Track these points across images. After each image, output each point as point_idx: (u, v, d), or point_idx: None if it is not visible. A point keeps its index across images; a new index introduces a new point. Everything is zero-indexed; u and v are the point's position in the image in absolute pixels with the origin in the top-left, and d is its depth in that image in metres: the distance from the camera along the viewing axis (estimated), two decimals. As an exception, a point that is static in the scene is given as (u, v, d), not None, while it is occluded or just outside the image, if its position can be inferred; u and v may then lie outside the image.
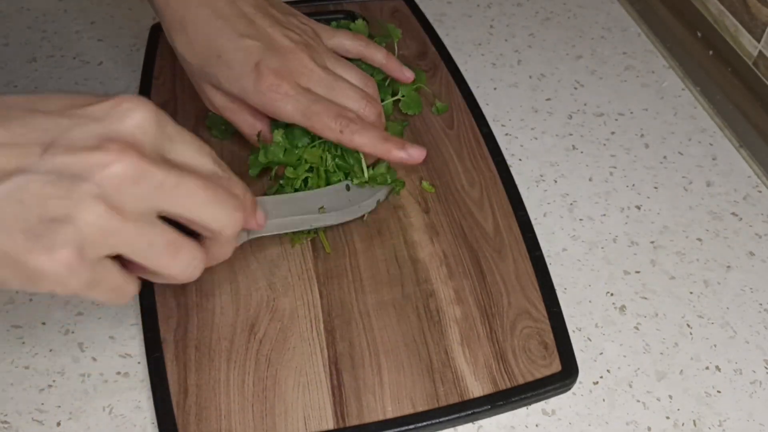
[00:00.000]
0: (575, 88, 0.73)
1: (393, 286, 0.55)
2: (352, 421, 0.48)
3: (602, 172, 0.66)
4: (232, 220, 0.41)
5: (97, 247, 0.36)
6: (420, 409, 0.49)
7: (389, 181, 0.59)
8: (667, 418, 0.50)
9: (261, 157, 0.57)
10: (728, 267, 0.59)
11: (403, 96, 0.66)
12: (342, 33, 0.61)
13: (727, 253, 0.60)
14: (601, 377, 0.52)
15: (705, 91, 0.73)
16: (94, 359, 0.52)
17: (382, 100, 0.63)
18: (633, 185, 0.65)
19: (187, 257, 0.40)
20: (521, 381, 0.50)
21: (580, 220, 0.62)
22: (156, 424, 0.48)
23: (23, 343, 0.53)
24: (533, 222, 0.60)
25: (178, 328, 0.52)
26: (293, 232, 0.57)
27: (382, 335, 0.52)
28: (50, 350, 0.52)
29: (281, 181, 0.57)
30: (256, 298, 0.54)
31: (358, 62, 0.63)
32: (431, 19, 0.77)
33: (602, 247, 0.60)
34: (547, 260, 0.58)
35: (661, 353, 0.54)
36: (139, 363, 0.52)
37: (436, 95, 0.69)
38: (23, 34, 0.76)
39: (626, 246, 0.60)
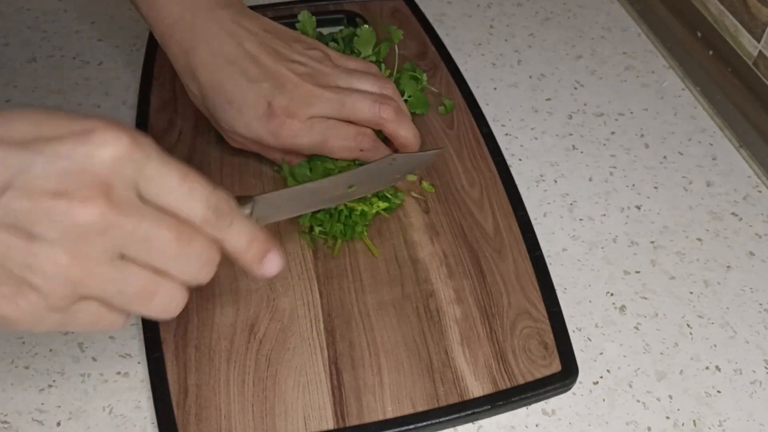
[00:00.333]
0: (575, 88, 0.73)
1: (393, 286, 0.55)
2: (352, 421, 0.48)
3: (602, 172, 0.66)
4: (202, 275, 0.36)
5: (64, 296, 0.33)
6: (420, 409, 0.49)
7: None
8: (667, 418, 0.50)
9: (290, 182, 0.58)
10: (728, 267, 0.59)
11: (410, 96, 0.66)
12: (353, 60, 0.60)
13: (727, 253, 0.60)
14: (601, 377, 0.52)
15: (705, 91, 0.73)
16: (94, 359, 0.52)
17: None
18: (633, 185, 0.65)
19: (164, 299, 0.35)
20: (521, 381, 0.50)
21: (580, 220, 0.62)
22: (156, 424, 0.48)
23: (23, 343, 0.53)
24: (533, 222, 0.60)
25: (178, 328, 0.52)
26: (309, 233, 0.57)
27: (382, 335, 0.52)
28: (50, 350, 0.52)
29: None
30: (256, 298, 0.54)
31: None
32: (431, 19, 0.77)
33: (602, 247, 0.60)
34: (547, 260, 0.58)
35: (661, 353, 0.54)
36: (139, 363, 0.52)
37: (442, 95, 0.69)
38: (23, 34, 0.76)
39: (626, 246, 0.60)
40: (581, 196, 0.64)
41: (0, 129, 0.32)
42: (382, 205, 0.58)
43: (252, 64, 0.55)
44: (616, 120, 0.70)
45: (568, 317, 0.55)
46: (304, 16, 0.68)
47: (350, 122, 0.57)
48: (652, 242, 0.60)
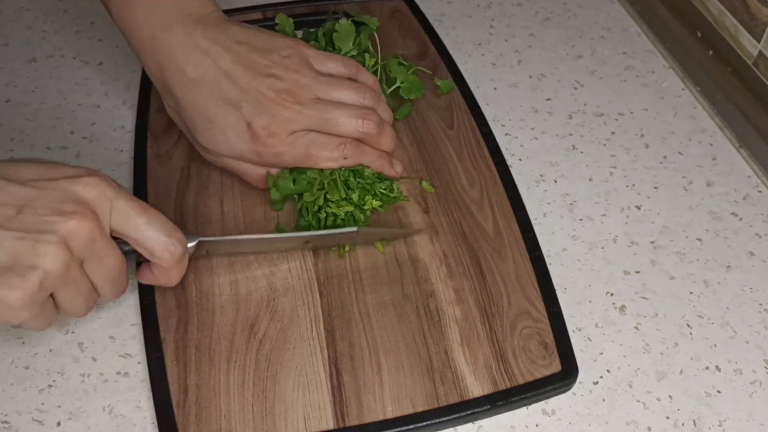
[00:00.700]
0: (575, 88, 0.73)
1: (393, 286, 0.55)
2: (352, 421, 0.48)
3: (602, 172, 0.66)
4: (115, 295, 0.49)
5: (52, 286, 0.43)
6: (420, 409, 0.49)
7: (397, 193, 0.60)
8: (667, 418, 0.50)
9: (273, 194, 0.58)
10: (728, 267, 0.59)
11: (402, 82, 0.66)
12: (332, 60, 0.60)
13: (727, 253, 0.60)
14: (601, 377, 0.52)
15: (705, 91, 0.73)
16: (94, 359, 0.52)
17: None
18: (633, 185, 0.65)
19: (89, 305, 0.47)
20: (521, 381, 0.50)
21: (580, 220, 0.62)
22: (156, 424, 0.48)
23: (23, 343, 0.53)
24: (533, 222, 0.60)
25: (178, 328, 0.52)
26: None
27: (382, 335, 0.52)
28: (50, 350, 0.52)
29: (300, 207, 0.58)
30: (256, 298, 0.54)
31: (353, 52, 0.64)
32: (431, 19, 0.77)
33: (602, 247, 0.60)
34: (547, 260, 0.58)
35: (661, 353, 0.54)
36: (139, 363, 0.52)
37: (435, 75, 0.69)
38: (23, 34, 0.76)
39: (626, 246, 0.60)
40: (581, 196, 0.64)
41: (15, 173, 0.44)
42: (376, 203, 0.58)
43: (229, 84, 0.55)
44: (616, 120, 0.70)
45: (568, 317, 0.55)
46: (282, 19, 0.67)
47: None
48: (652, 242, 0.60)
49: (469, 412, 0.49)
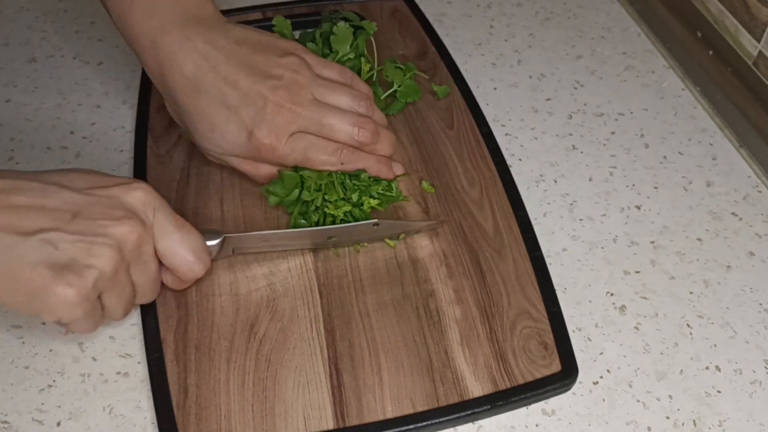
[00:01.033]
0: (575, 88, 0.73)
1: (393, 286, 0.55)
2: (352, 421, 0.48)
3: (602, 172, 0.66)
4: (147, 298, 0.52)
5: (103, 287, 0.46)
6: (420, 409, 0.49)
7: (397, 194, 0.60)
8: (667, 418, 0.50)
9: (272, 200, 0.58)
10: (728, 267, 0.59)
11: (399, 86, 0.66)
12: (329, 68, 0.60)
13: (727, 253, 0.60)
14: (601, 377, 0.52)
15: (705, 91, 0.73)
16: (94, 359, 0.52)
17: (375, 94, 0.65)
18: (633, 185, 0.65)
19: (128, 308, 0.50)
20: (521, 381, 0.50)
21: (580, 220, 0.62)
22: (156, 424, 0.48)
23: (23, 343, 0.53)
24: (533, 222, 0.60)
25: (178, 328, 0.52)
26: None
27: (382, 335, 0.52)
28: (50, 350, 0.52)
29: (303, 204, 0.58)
30: (256, 298, 0.54)
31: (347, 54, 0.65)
32: (431, 19, 0.77)
33: (602, 247, 0.60)
34: (547, 260, 0.58)
35: (661, 353, 0.54)
36: (139, 363, 0.52)
37: (432, 81, 0.69)
38: (23, 34, 0.76)
39: (626, 246, 0.60)
40: (581, 196, 0.64)
41: (68, 181, 0.47)
42: (374, 202, 0.58)
43: (230, 89, 0.55)
44: (616, 120, 0.70)
45: (568, 317, 0.55)
46: (279, 21, 0.67)
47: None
48: (652, 242, 0.60)
49: (469, 412, 0.49)
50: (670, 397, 0.51)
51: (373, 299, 0.54)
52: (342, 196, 0.57)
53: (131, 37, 0.57)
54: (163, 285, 0.52)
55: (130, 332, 0.53)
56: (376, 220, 0.55)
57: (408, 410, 0.49)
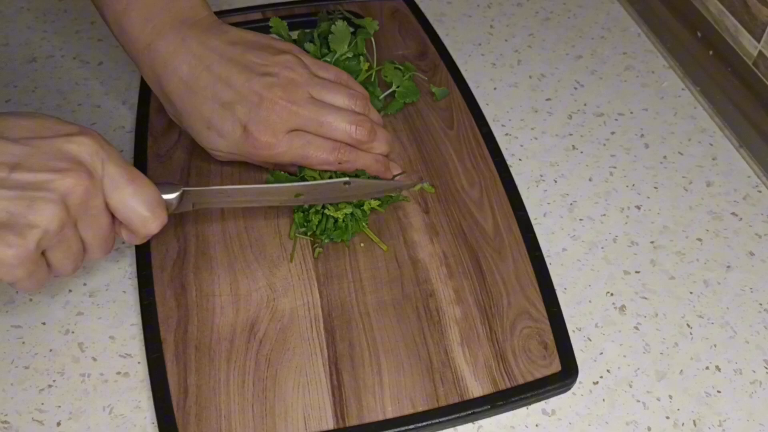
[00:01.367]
0: (575, 88, 0.73)
1: (393, 286, 0.55)
2: (352, 421, 0.48)
3: (602, 172, 0.66)
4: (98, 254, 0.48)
5: (47, 244, 0.43)
6: (420, 409, 0.49)
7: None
8: (667, 418, 0.50)
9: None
10: (728, 267, 0.59)
11: (398, 87, 0.66)
12: (325, 69, 0.60)
13: (727, 253, 0.60)
14: (601, 377, 0.52)
15: (705, 91, 0.73)
16: (94, 359, 0.52)
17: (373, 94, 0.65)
18: (633, 185, 0.65)
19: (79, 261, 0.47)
20: (521, 381, 0.50)
21: (580, 220, 0.62)
22: (156, 424, 0.48)
23: (23, 343, 0.53)
24: (533, 222, 0.60)
25: (178, 328, 0.52)
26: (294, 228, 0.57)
27: (382, 335, 0.52)
28: (50, 350, 0.52)
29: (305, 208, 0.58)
30: (256, 298, 0.54)
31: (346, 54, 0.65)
32: (431, 19, 0.77)
33: (602, 247, 0.60)
34: (547, 260, 0.58)
35: (661, 353, 0.54)
36: (139, 363, 0.52)
37: (432, 81, 0.69)
38: (23, 34, 0.76)
39: (626, 246, 0.60)
40: (581, 196, 0.64)
41: (5, 130, 0.43)
42: (374, 203, 0.58)
43: (224, 87, 0.55)
44: (616, 120, 0.70)
45: (568, 317, 0.55)
46: (275, 22, 0.67)
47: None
48: (652, 242, 0.60)
49: (469, 412, 0.49)
50: (670, 397, 0.51)
51: (373, 299, 0.54)
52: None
53: (126, 41, 0.57)
54: (159, 285, 0.52)
55: (130, 332, 0.53)
56: (347, 179, 0.55)
57: (408, 410, 0.49)
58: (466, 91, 0.69)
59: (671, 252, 0.60)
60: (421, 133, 0.66)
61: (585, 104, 0.71)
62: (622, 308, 0.56)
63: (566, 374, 0.51)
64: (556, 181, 0.65)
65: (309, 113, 0.56)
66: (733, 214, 0.63)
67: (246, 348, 0.51)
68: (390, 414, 0.49)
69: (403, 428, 0.48)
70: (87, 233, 0.45)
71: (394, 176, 0.61)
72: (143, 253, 0.56)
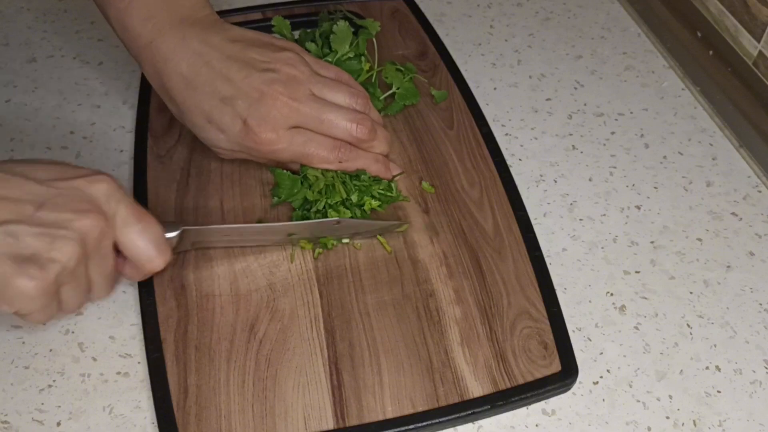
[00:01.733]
0: (575, 88, 0.73)
1: (393, 286, 0.55)
2: (352, 421, 0.48)
3: (602, 172, 0.66)
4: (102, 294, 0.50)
5: (63, 280, 0.45)
6: (420, 409, 0.49)
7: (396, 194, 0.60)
8: (667, 418, 0.50)
9: (274, 201, 0.59)
10: (728, 267, 0.59)
11: (398, 89, 0.66)
12: (326, 68, 0.60)
13: (727, 253, 0.60)
14: (601, 377, 0.52)
15: (705, 91, 0.73)
16: (94, 359, 0.52)
17: (372, 95, 0.65)
18: (633, 185, 0.65)
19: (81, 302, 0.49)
20: (521, 381, 0.50)
21: (580, 220, 0.62)
22: (156, 424, 0.48)
23: (23, 343, 0.53)
24: (533, 222, 0.60)
25: (178, 328, 0.52)
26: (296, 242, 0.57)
27: (382, 335, 0.52)
28: (50, 350, 0.52)
29: (306, 207, 0.58)
30: (256, 298, 0.54)
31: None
32: (431, 19, 0.77)
33: (602, 247, 0.60)
34: (547, 260, 0.58)
35: (661, 353, 0.54)
36: (139, 363, 0.52)
37: (432, 81, 0.69)
38: (23, 34, 0.76)
39: (626, 246, 0.60)
40: (581, 196, 0.64)
41: (32, 172, 0.46)
42: (374, 203, 0.58)
43: (223, 83, 0.55)
44: (616, 120, 0.70)
45: (568, 317, 0.55)
46: (278, 21, 0.67)
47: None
48: (652, 242, 0.60)
49: (469, 412, 0.49)
50: (670, 397, 0.51)
51: (373, 299, 0.54)
52: (344, 196, 0.57)
53: (128, 38, 0.57)
54: (159, 286, 0.52)
55: (130, 332, 0.53)
56: (337, 218, 0.55)
57: (408, 410, 0.49)
58: (466, 91, 0.69)
59: (671, 252, 0.60)
60: (421, 133, 0.66)
61: (585, 104, 0.71)
62: (622, 308, 0.56)
63: (566, 374, 0.51)
64: (556, 181, 0.65)
65: (310, 110, 0.56)
66: (733, 214, 0.63)
67: (246, 348, 0.51)
68: (390, 414, 0.49)
69: (403, 428, 0.48)
70: (95, 273, 0.48)
71: (394, 176, 0.61)
72: (143, 253, 0.56)
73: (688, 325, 0.55)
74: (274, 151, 0.56)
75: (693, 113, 0.71)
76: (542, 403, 0.51)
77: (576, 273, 0.58)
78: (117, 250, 0.49)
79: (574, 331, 0.54)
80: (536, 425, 0.50)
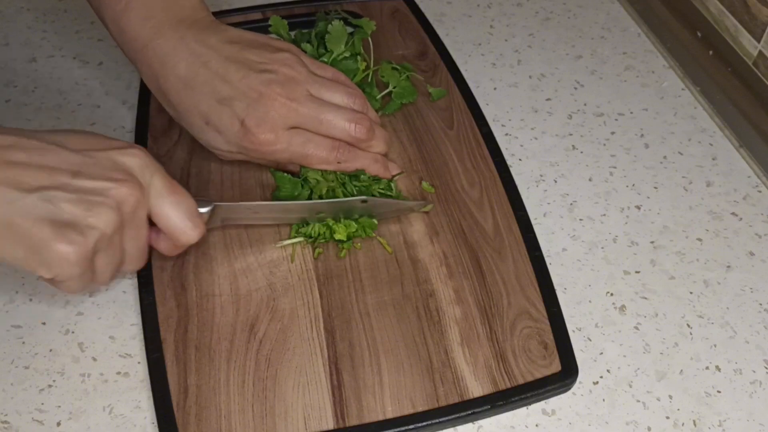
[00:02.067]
0: (575, 88, 0.73)
1: (393, 286, 0.55)
2: (352, 421, 0.48)
3: (602, 172, 0.66)
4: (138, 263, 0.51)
5: (101, 247, 0.45)
6: (420, 409, 0.49)
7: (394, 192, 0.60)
8: (667, 418, 0.50)
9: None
10: (728, 267, 0.59)
11: (394, 87, 0.66)
12: (323, 69, 0.60)
13: (727, 253, 0.60)
14: (601, 377, 0.52)
15: (705, 91, 0.73)
16: (94, 359, 0.52)
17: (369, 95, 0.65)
18: (633, 185, 0.65)
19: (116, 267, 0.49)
20: (521, 381, 0.50)
21: (580, 220, 0.62)
22: (156, 424, 0.48)
23: (23, 343, 0.53)
24: (533, 222, 0.60)
25: (178, 328, 0.52)
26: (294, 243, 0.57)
27: (382, 335, 0.52)
28: (50, 350, 0.52)
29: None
30: (256, 298, 0.54)
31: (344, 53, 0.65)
32: (431, 19, 0.77)
33: (602, 247, 0.60)
34: (547, 260, 0.58)
35: (661, 353, 0.54)
36: (139, 363, 0.52)
37: (432, 81, 0.69)
38: (23, 34, 0.76)
39: (626, 246, 0.60)
40: (581, 196, 0.64)
41: (66, 141, 0.46)
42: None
43: (221, 83, 0.55)
44: (616, 120, 0.70)
45: (568, 317, 0.55)
46: (275, 20, 0.67)
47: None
48: (652, 242, 0.60)
49: (469, 412, 0.49)
50: (670, 397, 0.51)
51: (373, 299, 0.54)
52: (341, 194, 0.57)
53: (125, 41, 0.57)
54: (159, 286, 0.52)
55: (130, 332, 0.53)
56: (364, 197, 0.56)
57: (408, 410, 0.49)
58: (466, 91, 0.69)
59: (671, 252, 0.60)
60: (421, 133, 0.66)
61: (585, 104, 0.71)
62: (622, 308, 0.56)
63: (566, 374, 0.51)
64: (556, 181, 0.65)
65: (308, 110, 0.56)
66: (733, 214, 0.63)
67: (246, 348, 0.51)
68: (390, 414, 0.49)
69: (403, 428, 0.48)
70: (129, 243, 0.48)
71: (394, 176, 0.61)
72: (143, 253, 0.56)
73: (688, 325, 0.55)
74: (273, 152, 0.56)
75: (693, 113, 0.71)
76: (542, 403, 0.51)
77: (576, 273, 0.58)
78: (150, 223, 0.49)
79: (574, 331, 0.54)
80: (536, 425, 0.50)
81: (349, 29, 0.68)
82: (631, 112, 0.71)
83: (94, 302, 0.55)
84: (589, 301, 0.56)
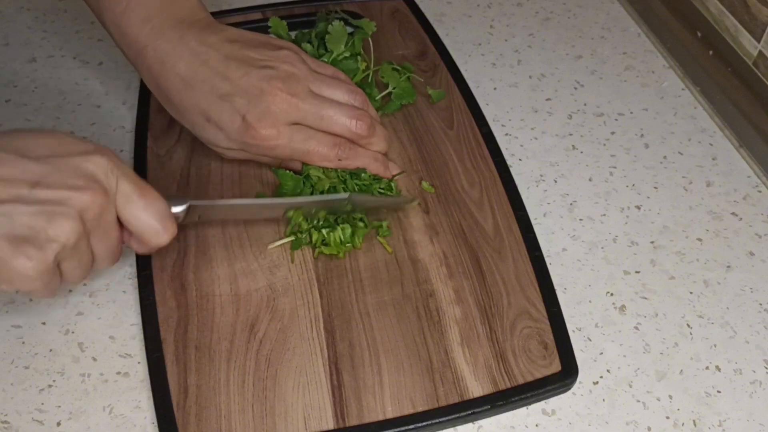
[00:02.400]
0: (575, 88, 0.73)
1: (393, 286, 0.55)
2: (352, 421, 0.48)
3: (602, 172, 0.66)
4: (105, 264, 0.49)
5: (63, 257, 0.45)
6: (420, 409, 0.49)
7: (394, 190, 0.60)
8: (667, 418, 0.50)
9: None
10: (728, 267, 0.59)
11: (394, 88, 0.66)
12: (323, 67, 0.60)
13: (727, 253, 0.60)
14: (601, 377, 0.52)
15: (705, 91, 0.73)
16: (94, 359, 0.52)
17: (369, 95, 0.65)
18: (633, 185, 0.65)
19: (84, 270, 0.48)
20: (521, 381, 0.50)
21: (580, 220, 0.62)
22: (156, 424, 0.48)
23: (23, 343, 0.53)
24: (533, 222, 0.60)
25: (178, 328, 0.52)
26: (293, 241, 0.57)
27: (382, 335, 0.52)
28: (50, 350, 0.52)
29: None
30: (256, 298, 0.54)
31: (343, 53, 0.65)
32: (431, 19, 0.77)
33: (602, 247, 0.60)
34: (547, 260, 0.58)
35: (661, 353, 0.54)
36: (139, 363, 0.52)
37: (432, 81, 0.69)
38: (23, 34, 0.76)
39: (626, 246, 0.60)
40: (581, 196, 0.64)
41: (27, 149, 0.45)
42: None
43: (222, 81, 0.55)
44: (616, 120, 0.70)
45: (568, 317, 0.55)
46: (275, 21, 0.67)
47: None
48: (652, 242, 0.60)
49: (469, 412, 0.49)
50: (670, 397, 0.51)
51: (373, 299, 0.54)
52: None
53: (125, 42, 0.57)
54: (159, 285, 0.52)
55: (130, 332, 0.53)
56: (348, 194, 0.55)
57: (408, 410, 0.49)
58: (466, 91, 0.69)
59: (671, 252, 0.60)
60: (421, 133, 0.66)
61: (585, 104, 0.71)
62: (622, 308, 0.56)
63: (566, 374, 0.51)
64: (556, 181, 0.65)
65: (310, 106, 0.56)
66: (733, 214, 0.63)
67: (246, 348, 0.51)
68: (390, 414, 0.49)
69: (403, 428, 0.48)
70: (98, 246, 0.47)
71: (394, 176, 0.61)
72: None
73: (688, 325, 0.55)
74: (274, 148, 0.56)
75: (693, 113, 0.71)
76: (542, 403, 0.51)
77: (576, 273, 0.58)
78: (122, 223, 0.49)
79: (574, 331, 0.54)
80: (536, 425, 0.50)
81: (349, 29, 0.68)
82: (631, 112, 0.71)
83: (94, 302, 0.55)
84: (589, 301, 0.56)
